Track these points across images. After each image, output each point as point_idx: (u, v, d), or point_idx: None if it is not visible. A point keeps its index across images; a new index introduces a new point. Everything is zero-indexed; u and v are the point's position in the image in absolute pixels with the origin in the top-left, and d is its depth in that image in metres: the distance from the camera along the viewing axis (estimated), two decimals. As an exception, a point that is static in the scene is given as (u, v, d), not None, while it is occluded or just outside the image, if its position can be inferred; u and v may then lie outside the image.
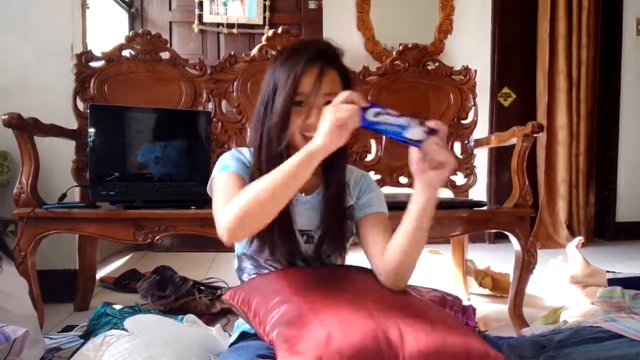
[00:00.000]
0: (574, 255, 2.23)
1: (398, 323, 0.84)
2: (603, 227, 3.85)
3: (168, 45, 2.07)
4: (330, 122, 0.88)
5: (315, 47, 1.05)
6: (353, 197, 1.14)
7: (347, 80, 1.08)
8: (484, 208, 1.81)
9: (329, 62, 1.04)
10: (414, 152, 0.92)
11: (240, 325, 1.12)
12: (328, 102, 0.99)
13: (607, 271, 2.12)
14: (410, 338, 0.81)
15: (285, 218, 1.04)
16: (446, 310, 1.56)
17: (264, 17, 3.25)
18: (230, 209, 0.91)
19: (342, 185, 1.11)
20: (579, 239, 2.31)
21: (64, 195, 1.68)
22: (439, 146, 0.90)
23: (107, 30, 3.09)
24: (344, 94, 0.90)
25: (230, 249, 0.99)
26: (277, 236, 1.05)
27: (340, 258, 1.17)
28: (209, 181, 1.10)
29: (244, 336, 1.08)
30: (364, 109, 0.90)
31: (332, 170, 1.09)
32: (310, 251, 1.10)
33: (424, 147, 0.91)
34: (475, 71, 2.18)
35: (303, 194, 1.10)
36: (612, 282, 2.00)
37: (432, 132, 0.91)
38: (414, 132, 0.90)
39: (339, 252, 1.14)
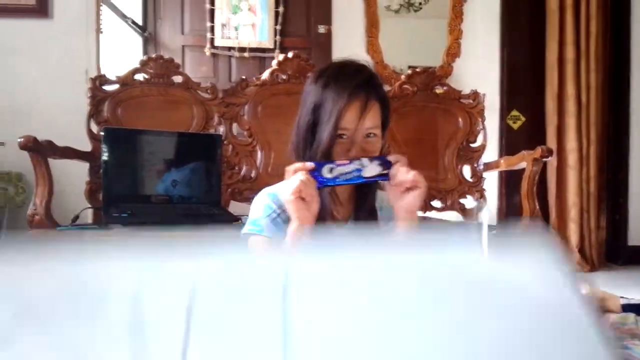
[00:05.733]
0: None
1: None
2: (615, 251, 3.80)
3: (180, 69, 2.10)
4: (290, 203, 0.90)
5: (360, 77, 1.03)
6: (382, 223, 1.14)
7: (387, 110, 1.07)
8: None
9: (372, 92, 1.02)
10: (386, 186, 0.97)
11: None
12: (369, 135, 1.01)
13: (621, 297, 2.09)
14: None
15: None
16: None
17: (275, 41, 3.29)
18: None
19: (373, 212, 1.10)
20: None
21: (76, 217, 1.70)
22: (405, 168, 0.93)
23: (121, 54, 3.14)
24: (288, 170, 0.93)
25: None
26: None
27: None
28: (244, 228, 1.06)
29: None
30: (315, 171, 0.91)
31: (362, 200, 1.08)
32: None
33: (391, 174, 0.93)
34: (484, 95, 2.18)
35: (339, 224, 1.08)
36: (625, 308, 1.97)
37: (386, 162, 0.93)
38: (371, 169, 0.93)
39: None
